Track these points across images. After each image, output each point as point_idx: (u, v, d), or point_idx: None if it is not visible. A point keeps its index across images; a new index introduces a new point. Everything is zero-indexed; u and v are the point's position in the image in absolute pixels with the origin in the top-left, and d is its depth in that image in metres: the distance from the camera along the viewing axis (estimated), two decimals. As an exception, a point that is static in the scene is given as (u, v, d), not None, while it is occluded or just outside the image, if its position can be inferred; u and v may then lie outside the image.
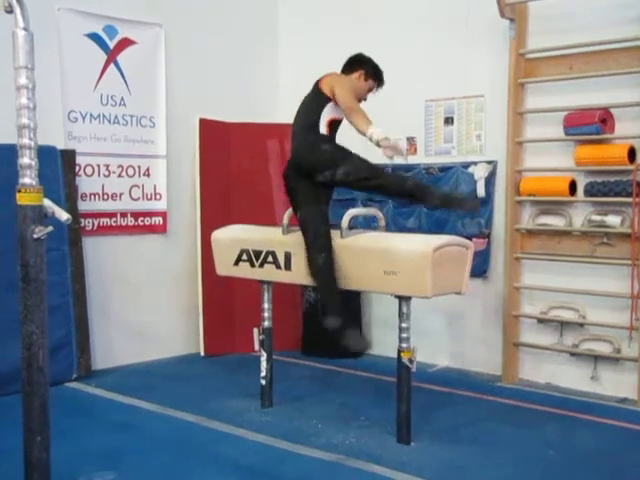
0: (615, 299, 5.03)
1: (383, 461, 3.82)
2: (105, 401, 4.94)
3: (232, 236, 4.81)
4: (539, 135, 5.40)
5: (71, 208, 5.23)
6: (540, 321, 5.43)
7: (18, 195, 2.47)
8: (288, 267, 4.42)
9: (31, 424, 2.52)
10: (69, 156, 5.43)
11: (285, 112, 6.51)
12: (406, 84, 6.00)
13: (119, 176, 5.85)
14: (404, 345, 4.06)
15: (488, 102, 5.65)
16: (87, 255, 5.58)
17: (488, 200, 5.64)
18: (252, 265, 4.61)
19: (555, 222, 5.35)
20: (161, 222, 6.12)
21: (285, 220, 4.49)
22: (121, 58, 5.80)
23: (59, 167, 5.29)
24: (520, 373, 5.53)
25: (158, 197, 6.09)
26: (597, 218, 5.09)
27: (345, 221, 4.20)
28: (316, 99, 4.40)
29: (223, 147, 6.33)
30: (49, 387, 2.57)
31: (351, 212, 4.23)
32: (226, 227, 4.96)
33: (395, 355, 4.10)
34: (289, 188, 4.47)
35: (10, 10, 2.43)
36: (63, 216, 2.55)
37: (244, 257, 4.65)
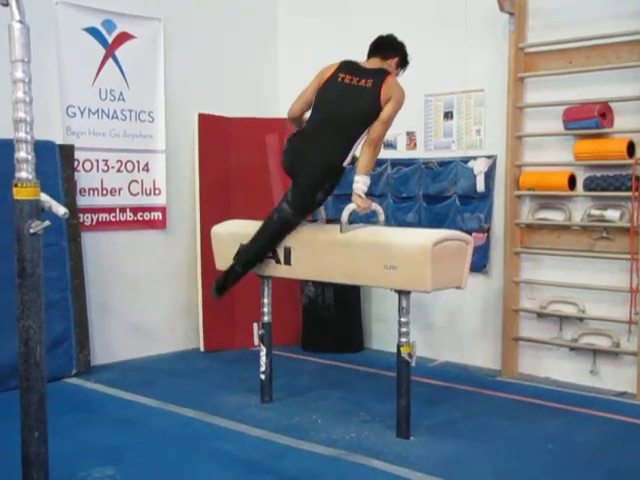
0: (614, 293, 5.02)
1: (383, 456, 3.82)
2: (105, 396, 4.94)
3: (232, 231, 4.80)
4: (539, 129, 5.39)
5: (70, 203, 5.22)
6: (539, 315, 5.43)
7: (15, 189, 2.46)
8: (288, 262, 4.41)
9: (29, 420, 2.52)
10: (68, 151, 5.41)
11: (285, 107, 6.50)
12: (405, 78, 5.93)
13: (118, 171, 5.84)
14: (404, 340, 4.05)
15: (488, 97, 5.64)
16: (86, 250, 5.57)
17: (488, 195, 5.63)
18: (251, 260, 4.60)
19: (554, 217, 5.34)
20: (160, 217, 6.11)
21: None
22: (120, 53, 5.78)
23: (57, 162, 5.28)
24: (519, 367, 5.53)
25: (157, 192, 6.08)
26: (596, 212, 5.09)
27: (345, 216, 4.20)
28: (371, 110, 4.22)
29: (222, 142, 6.31)
30: (47, 382, 2.57)
31: (350, 207, 4.22)
32: (226, 222, 4.95)
33: (395, 350, 4.10)
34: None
35: (6, 3, 2.42)
36: (60, 210, 2.54)
37: (243, 252, 4.64)
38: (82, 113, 5.60)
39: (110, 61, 5.74)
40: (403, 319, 4.05)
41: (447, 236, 4.03)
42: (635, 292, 4.88)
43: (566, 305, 5.32)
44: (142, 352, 5.96)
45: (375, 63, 4.43)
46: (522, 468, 3.71)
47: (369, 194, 5.96)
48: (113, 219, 5.84)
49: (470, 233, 4.75)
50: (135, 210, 5.96)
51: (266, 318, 4.77)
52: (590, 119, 4.99)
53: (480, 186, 5.64)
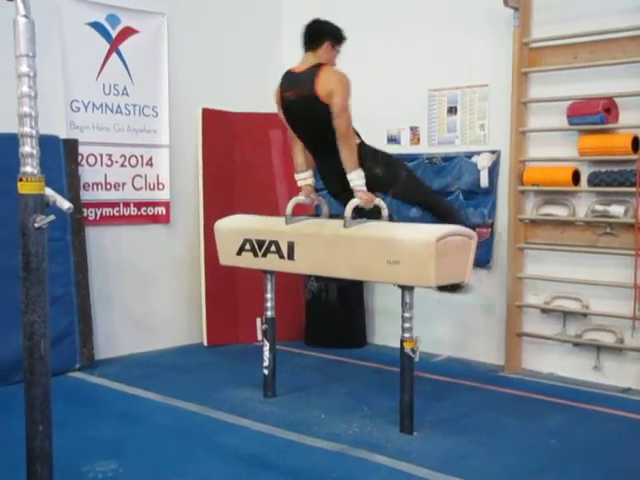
0: (618, 289, 5.02)
1: (386, 451, 3.83)
2: (108, 391, 4.95)
3: (235, 226, 4.80)
4: (543, 125, 5.37)
5: (74, 198, 5.22)
6: (543, 311, 5.43)
7: (19, 184, 2.46)
8: (291, 257, 4.41)
9: (33, 413, 2.52)
10: (71, 146, 5.42)
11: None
12: (409, 74, 5.98)
13: (122, 166, 5.84)
14: (407, 335, 4.05)
15: (492, 92, 5.62)
16: (90, 245, 5.58)
17: (491, 190, 5.62)
18: (255, 255, 4.60)
19: (558, 212, 5.33)
20: (164, 212, 6.11)
21: (288, 210, 4.48)
22: (123, 47, 5.78)
23: (61, 157, 5.28)
24: (523, 363, 5.53)
25: (161, 187, 6.08)
26: (600, 208, 5.08)
27: (348, 211, 4.19)
28: (322, 113, 4.18)
29: (226, 137, 6.31)
30: (51, 376, 2.57)
31: (354, 202, 4.22)
32: (229, 217, 4.95)
33: (398, 345, 4.10)
34: None
35: (11, -2, 2.41)
36: (65, 205, 2.54)
37: (247, 247, 4.64)
38: (86, 108, 5.60)
39: (114, 56, 5.74)
40: (406, 314, 4.05)
41: (451, 231, 4.02)
42: (639, 288, 4.86)
43: (570, 301, 5.31)
44: (145, 347, 5.97)
45: (308, 60, 4.37)
46: (525, 464, 3.71)
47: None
48: (117, 214, 5.84)
49: (474, 228, 4.73)
50: (139, 205, 5.97)
51: (269, 313, 4.77)
52: (595, 114, 4.98)
53: (484, 181, 5.63)
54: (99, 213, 5.72)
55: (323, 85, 4.17)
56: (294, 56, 6.69)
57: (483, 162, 5.64)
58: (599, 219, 5.08)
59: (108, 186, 5.77)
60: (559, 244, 5.29)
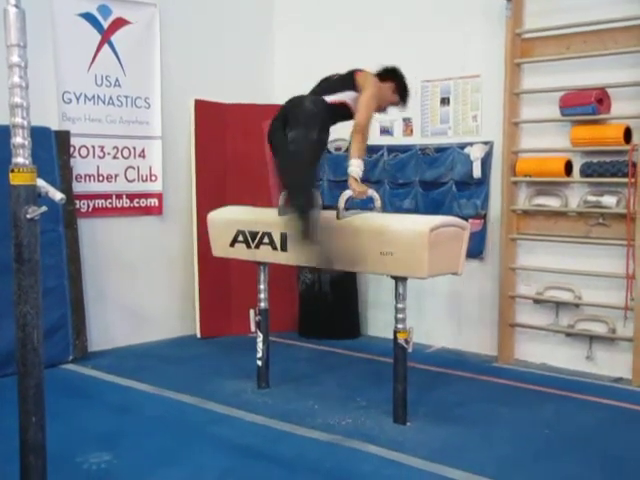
0: (610, 279, 5.03)
1: (379, 441, 3.84)
2: (101, 382, 4.95)
3: (228, 217, 4.79)
4: (535, 116, 5.38)
5: (66, 190, 5.19)
6: (536, 302, 5.44)
7: (11, 175, 2.45)
8: (284, 248, 4.40)
9: (26, 405, 2.52)
10: (63, 137, 5.40)
11: (281, 93, 6.48)
12: (402, 65, 5.92)
13: (114, 157, 5.83)
14: (400, 326, 4.06)
15: (484, 82, 5.62)
16: (82, 237, 5.57)
17: (484, 181, 5.63)
18: (248, 246, 4.60)
19: (551, 203, 5.34)
20: (157, 204, 6.10)
21: (281, 201, 4.47)
22: (115, 38, 5.75)
23: (53, 148, 5.27)
24: (516, 353, 5.55)
25: (153, 178, 6.07)
26: (593, 199, 5.09)
27: (341, 202, 4.19)
28: (343, 82, 4.41)
29: (219, 128, 6.30)
30: (44, 368, 2.56)
31: (347, 193, 4.21)
32: (222, 208, 4.94)
33: (391, 336, 4.11)
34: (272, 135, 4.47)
35: (1, -13, 2.40)
36: (57, 196, 2.53)
37: (240, 238, 4.63)
38: (78, 99, 5.58)
39: (106, 47, 5.72)
40: (400, 305, 4.06)
41: (444, 222, 4.02)
42: (631, 278, 4.89)
43: (562, 291, 5.33)
44: (139, 338, 5.96)
45: None
46: (518, 453, 3.73)
47: (365, 180, 5.96)
48: (109, 205, 5.83)
49: (466, 219, 4.74)
50: (131, 196, 5.95)
51: (263, 304, 4.77)
52: (587, 105, 4.99)
53: (477, 172, 5.63)
54: (91, 205, 5.71)
55: (363, 76, 4.39)
56: (286, 48, 6.74)
57: (476, 153, 5.64)
58: (591, 210, 5.09)
59: (100, 178, 5.76)
60: (552, 235, 5.30)
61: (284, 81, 6.60)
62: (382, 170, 6.14)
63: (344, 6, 6.31)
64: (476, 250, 5.55)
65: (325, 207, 4.73)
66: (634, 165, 4.82)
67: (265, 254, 4.54)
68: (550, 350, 5.41)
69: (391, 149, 6.10)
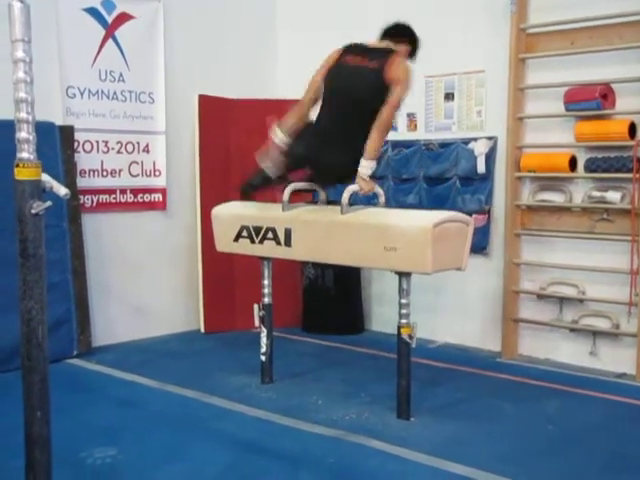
0: (614, 275, 5.03)
1: (383, 436, 3.84)
2: (106, 377, 4.96)
3: (232, 212, 4.80)
4: (540, 111, 5.37)
5: (70, 185, 5.20)
6: (540, 297, 5.44)
7: (16, 170, 2.44)
8: (288, 243, 4.41)
9: (31, 400, 2.52)
10: (67, 132, 5.40)
11: (284, 87, 6.49)
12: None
13: (118, 152, 5.83)
14: (404, 321, 4.06)
15: (489, 78, 5.61)
16: (86, 232, 5.58)
17: (488, 176, 5.62)
18: (252, 241, 4.60)
19: (555, 198, 5.33)
20: (161, 199, 6.10)
21: (285, 197, 4.47)
22: (119, 33, 5.75)
23: (57, 143, 5.27)
24: (519, 349, 5.55)
25: (157, 173, 6.07)
26: (597, 194, 5.08)
27: (345, 197, 4.19)
28: (380, 94, 4.13)
29: (222, 123, 6.29)
30: (49, 363, 2.57)
31: (351, 188, 4.21)
32: (226, 203, 4.94)
33: (395, 331, 4.11)
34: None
35: (6, -18, 2.39)
36: (61, 191, 2.53)
37: (244, 233, 4.64)
38: (82, 94, 5.58)
39: (110, 42, 5.71)
40: (403, 300, 4.06)
41: (448, 217, 4.02)
42: (635, 274, 4.88)
43: (566, 287, 5.33)
44: (143, 333, 5.97)
45: (387, 43, 4.37)
46: (522, 448, 3.73)
47: (370, 176, 5.97)
48: (113, 200, 5.83)
49: (470, 215, 4.74)
50: (135, 192, 5.96)
51: (266, 300, 4.78)
52: (591, 100, 4.98)
53: (481, 167, 5.63)
54: (95, 200, 5.71)
55: (394, 69, 4.16)
56: (289, 42, 6.73)
57: (480, 148, 5.64)
58: (596, 205, 5.08)
59: (104, 173, 5.76)
60: (556, 230, 5.30)
61: (287, 77, 6.59)
62: (386, 165, 6.13)
63: (348, 3, 6.30)
64: (480, 245, 5.55)
65: (329, 202, 4.75)
66: (638, 160, 4.81)
67: (269, 249, 4.54)
68: (554, 345, 5.41)
69: (395, 144, 6.10)
